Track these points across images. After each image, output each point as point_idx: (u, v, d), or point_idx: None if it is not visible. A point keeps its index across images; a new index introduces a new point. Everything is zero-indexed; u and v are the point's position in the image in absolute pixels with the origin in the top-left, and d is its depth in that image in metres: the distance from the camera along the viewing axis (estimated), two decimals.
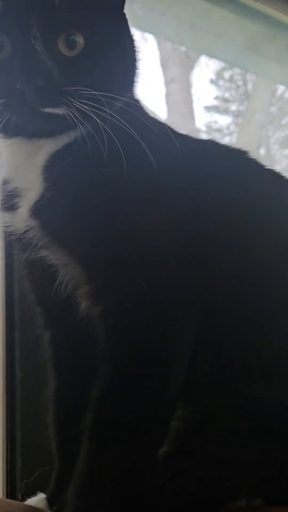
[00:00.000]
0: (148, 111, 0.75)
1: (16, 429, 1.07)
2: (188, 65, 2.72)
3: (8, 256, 1.11)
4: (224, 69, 2.85)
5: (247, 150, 0.80)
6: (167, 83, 2.68)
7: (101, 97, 0.62)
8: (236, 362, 0.67)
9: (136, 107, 0.73)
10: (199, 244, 0.68)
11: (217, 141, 0.80)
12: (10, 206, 0.69)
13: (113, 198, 0.64)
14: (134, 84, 0.73)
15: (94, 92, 0.61)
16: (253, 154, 0.80)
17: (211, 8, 1.84)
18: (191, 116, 2.70)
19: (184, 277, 0.66)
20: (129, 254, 0.63)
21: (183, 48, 2.52)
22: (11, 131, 0.66)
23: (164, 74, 2.64)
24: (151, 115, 0.75)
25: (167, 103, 2.64)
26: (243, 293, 0.69)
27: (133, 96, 0.73)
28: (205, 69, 2.81)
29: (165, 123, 0.76)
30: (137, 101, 0.74)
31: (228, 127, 2.89)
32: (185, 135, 0.78)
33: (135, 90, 0.73)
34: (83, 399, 0.67)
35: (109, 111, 0.62)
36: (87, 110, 0.61)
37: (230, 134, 2.91)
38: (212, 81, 2.87)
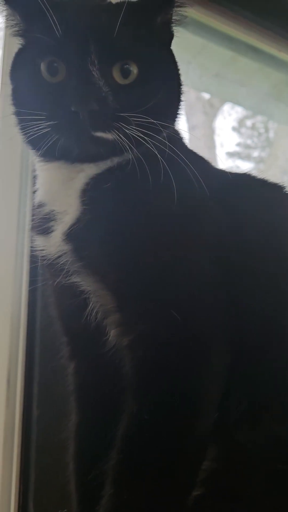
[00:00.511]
0: (187, 143, 0.76)
1: (30, 469, 1.02)
2: (211, 113, 2.79)
3: (32, 283, 1.11)
4: (246, 117, 2.92)
5: (284, 185, 0.79)
6: (190, 129, 2.75)
7: (152, 124, 0.63)
8: (272, 402, 0.63)
9: (180, 137, 0.74)
10: (234, 278, 0.66)
11: (253, 174, 0.80)
12: (44, 229, 0.69)
13: (151, 226, 0.63)
14: (178, 115, 0.74)
15: (148, 119, 0.63)
16: None
17: (236, 57, 1.90)
18: (213, 161, 2.75)
19: (217, 310, 0.63)
20: (163, 284, 0.62)
21: (207, 96, 2.60)
22: (56, 155, 0.66)
23: (188, 120, 2.71)
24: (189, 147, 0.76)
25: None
26: (278, 331, 0.66)
27: (176, 127, 0.74)
28: (228, 117, 2.89)
29: (202, 155, 0.77)
30: (179, 132, 0.75)
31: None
32: (221, 169, 0.78)
33: (178, 121, 0.74)
34: (107, 436, 0.63)
35: (159, 137, 0.63)
36: (138, 136, 0.62)
37: None
38: (234, 129, 2.94)
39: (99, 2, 0.76)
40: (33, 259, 0.77)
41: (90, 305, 0.66)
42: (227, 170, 0.79)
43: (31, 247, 0.73)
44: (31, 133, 0.65)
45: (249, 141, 2.94)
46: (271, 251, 0.70)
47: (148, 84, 0.66)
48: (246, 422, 0.62)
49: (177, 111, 0.73)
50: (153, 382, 0.59)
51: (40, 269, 0.77)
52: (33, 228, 0.72)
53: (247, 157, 2.94)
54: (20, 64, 0.69)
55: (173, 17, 0.71)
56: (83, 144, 0.64)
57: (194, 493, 0.57)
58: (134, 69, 0.65)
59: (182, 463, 0.58)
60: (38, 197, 0.73)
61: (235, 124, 2.94)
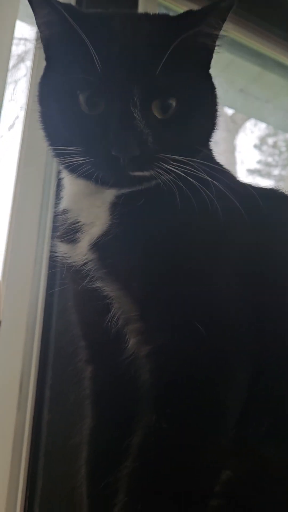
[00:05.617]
0: (218, 160, 0.75)
1: (38, 474, 1.00)
2: (234, 129, 2.80)
3: (50, 288, 1.10)
4: (268, 135, 2.91)
5: None
6: (212, 145, 2.76)
7: (189, 160, 0.62)
8: None
9: (211, 153, 0.73)
10: (259, 292, 0.64)
11: (280, 190, 0.78)
12: (69, 239, 0.68)
13: (178, 241, 0.63)
14: (212, 137, 0.72)
15: (185, 158, 0.62)
16: None
17: (262, 73, 1.91)
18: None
19: (241, 324, 0.62)
20: (188, 296, 0.61)
21: (230, 112, 2.60)
22: (91, 179, 0.66)
23: None
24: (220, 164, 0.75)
25: None
26: None
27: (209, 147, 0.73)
28: (250, 134, 2.89)
29: (231, 172, 0.76)
30: (210, 149, 0.74)
31: None
32: (247, 183, 0.76)
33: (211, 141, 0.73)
34: (122, 443, 0.62)
35: (193, 164, 0.62)
36: (174, 168, 0.62)
37: None
38: (256, 146, 2.93)
39: (136, 14, 0.75)
40: (52, 264, 0.76)
41: (112, 311, 0.65)
42: (255, 186, 0.78)
43: (54, 252, 0.71)
44: (66, 162, 0.65)
45: (270, 159, 2.94)
46: None
47: (187, 116, 0.64)
48: (269, 436, 0.60)
49: (212, 134, 0.72)
50: (172, 392, 0.58)
51: (60, 274, 0.76)
52: (57, 237, 0.71)
53: (268, 175, 2.93)
54: (51, 89, 0.67)
55: (214, 32, 0.67)
56: (121, 181, 0.65)
57: (212, 503, 0.55)
58: (173, 103, 0.63)
59: (199, 474, 0.56)
60: (64, 204, 0.72)
61: (256, 141, 2.93)
